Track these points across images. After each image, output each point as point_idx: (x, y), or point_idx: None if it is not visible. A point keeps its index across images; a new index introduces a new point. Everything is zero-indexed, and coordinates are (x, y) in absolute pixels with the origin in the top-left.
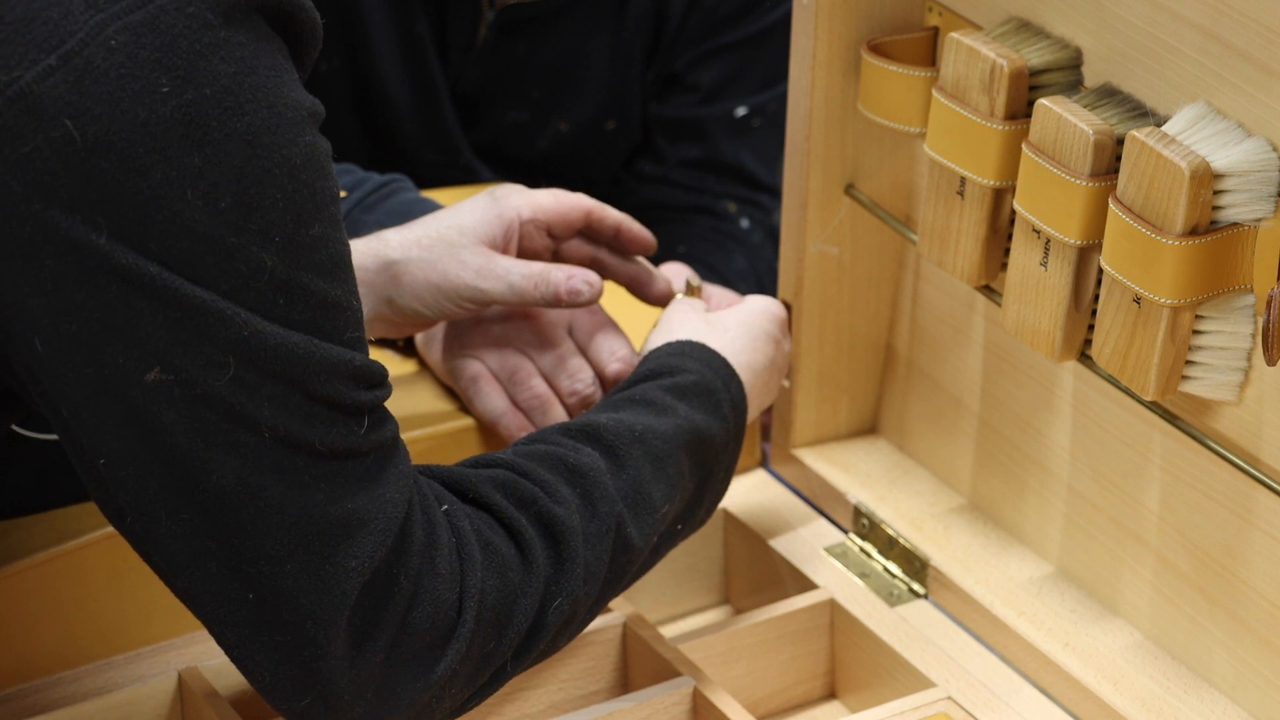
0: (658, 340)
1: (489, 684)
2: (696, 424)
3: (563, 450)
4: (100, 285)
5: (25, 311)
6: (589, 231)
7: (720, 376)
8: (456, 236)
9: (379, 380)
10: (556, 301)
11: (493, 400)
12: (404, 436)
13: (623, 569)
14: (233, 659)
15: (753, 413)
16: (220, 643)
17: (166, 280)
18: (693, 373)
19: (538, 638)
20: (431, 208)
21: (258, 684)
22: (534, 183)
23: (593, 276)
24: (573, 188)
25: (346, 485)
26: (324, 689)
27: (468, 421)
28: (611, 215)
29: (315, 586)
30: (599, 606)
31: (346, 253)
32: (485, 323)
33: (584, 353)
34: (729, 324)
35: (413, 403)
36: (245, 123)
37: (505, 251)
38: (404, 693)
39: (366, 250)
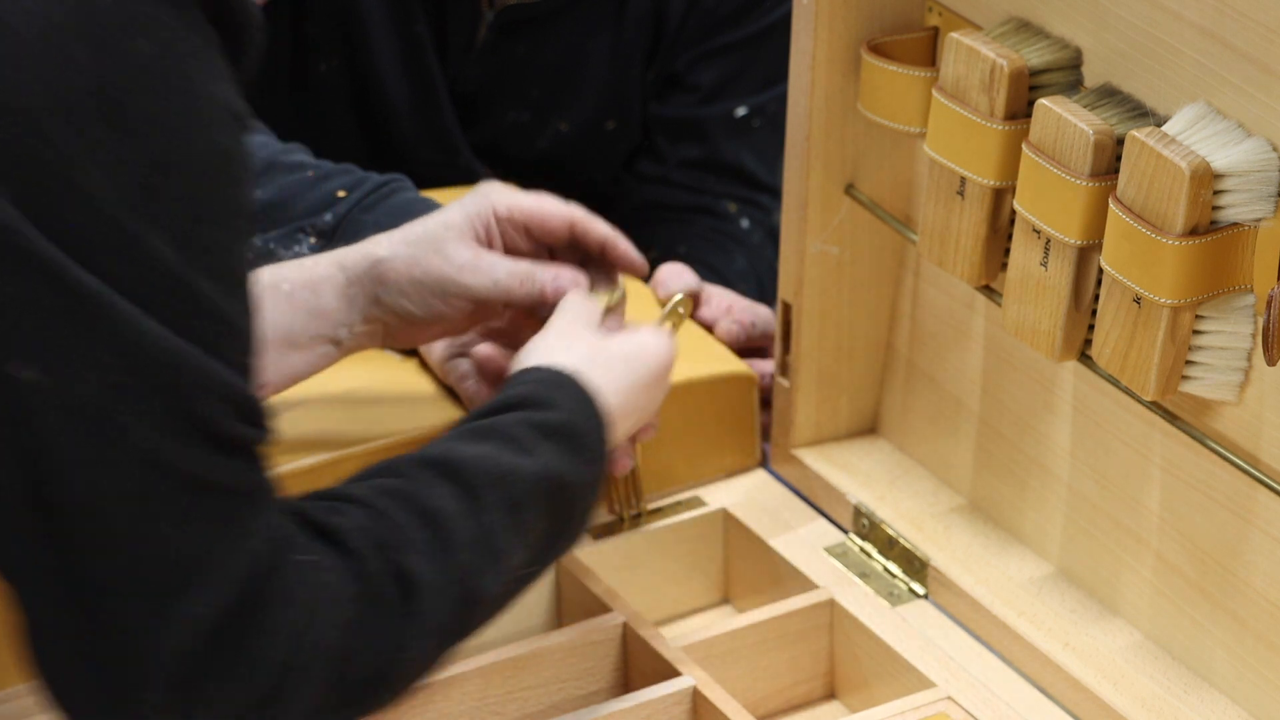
0: (537, 354)
1: None
2: (559, 471)
3: (417, 487)
4: None
5: None
6: (576, 244)
7: (591, 421)
8: (443, 232)
9: (261, 420)
10: (542, 300)
11: None
12: (403, 436)
13: (467, 620)
14: (50, 687)
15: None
16: (41, 667)
17: (62, 265)
18: (564, 411)
19: (379, 691)
20: (431, 207)
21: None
22: (534, 183)
23: (580, 277)
24: (573, 187)
25: (203, 524)
26: None
27: None
28: (597, 230)
29: (154, 627)
30: (440, 657)
31: (248, 274)
32: (485, 323)
33: None
34: (613, 360)
35: (413, 402)
36: (160, 106)
37: (489, 248)
38: None
39: (360, 251)
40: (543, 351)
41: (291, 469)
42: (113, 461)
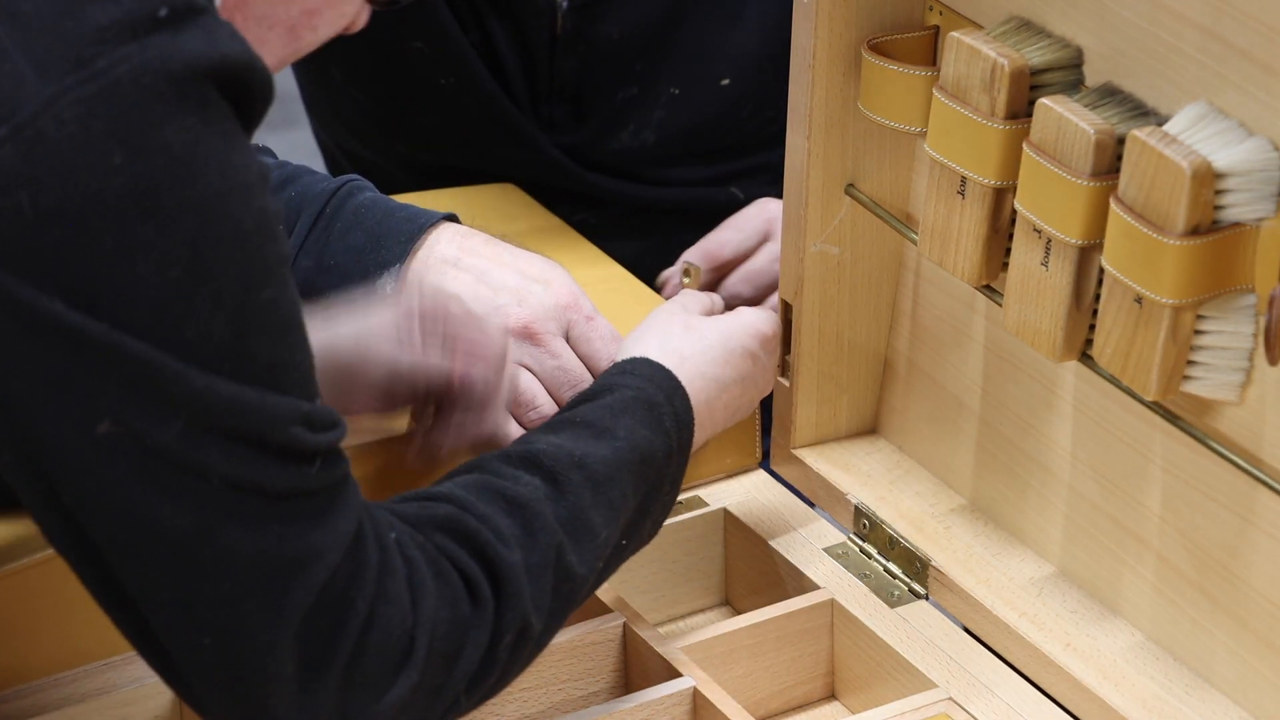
0: (625, 347)
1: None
2: (637, 442)
3: (501, 481)
4: (49, 342)
5: None
6: None
7: (663, 390)
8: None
9: (330, 423)
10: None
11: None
12: (402, 434)
13: (567, 597)
14: (186, 698)
15: (716, 425)
16: (176, 681)
17: (116, 339)
18: (631, 389)
19: (489, 672)
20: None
21: None
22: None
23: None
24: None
25: (300, 523)
26: None
27: None
28: None
29: (272, 621)
30: (547, 637)
31: (297, 312)
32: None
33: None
34: (708, 333)
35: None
36: (197, 191)
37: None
38: None
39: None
40: (631, 339)
41: None
42: (202, 492)
